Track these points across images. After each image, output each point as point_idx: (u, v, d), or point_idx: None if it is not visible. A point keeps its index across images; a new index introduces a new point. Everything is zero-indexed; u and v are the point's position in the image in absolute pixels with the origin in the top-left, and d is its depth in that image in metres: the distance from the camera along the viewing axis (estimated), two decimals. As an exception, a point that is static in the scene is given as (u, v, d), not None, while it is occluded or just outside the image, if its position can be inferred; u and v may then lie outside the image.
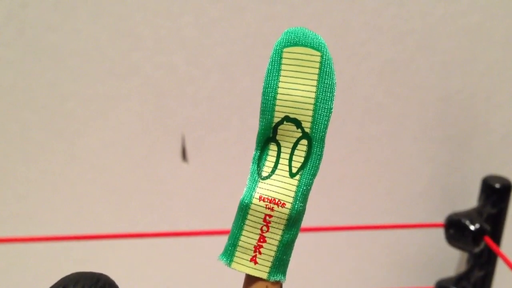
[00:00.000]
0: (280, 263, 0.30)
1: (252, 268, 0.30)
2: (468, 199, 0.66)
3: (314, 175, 0.30)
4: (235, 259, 0.30)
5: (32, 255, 0.61)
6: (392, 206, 0.66)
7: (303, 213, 0.30)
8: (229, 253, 0.30)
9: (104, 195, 0.63)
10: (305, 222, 0.62)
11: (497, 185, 0.62)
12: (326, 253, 0.67)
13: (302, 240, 0.64)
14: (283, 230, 0.30)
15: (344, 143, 0.64)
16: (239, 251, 0.30)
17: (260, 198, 0.30)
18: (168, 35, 0.57)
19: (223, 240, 0.60)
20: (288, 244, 0.30)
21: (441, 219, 0.66)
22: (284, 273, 0.31)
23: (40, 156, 0.61)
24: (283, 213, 0.30)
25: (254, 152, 0.31)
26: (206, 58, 0.58)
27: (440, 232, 0.63)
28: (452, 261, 0.69)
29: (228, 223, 0.61)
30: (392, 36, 0.60)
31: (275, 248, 0.30)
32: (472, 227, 0.59)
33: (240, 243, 0.30)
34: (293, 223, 0.30)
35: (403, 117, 0.64)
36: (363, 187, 0.65)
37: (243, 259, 0.30)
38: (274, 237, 0.30)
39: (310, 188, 0.30)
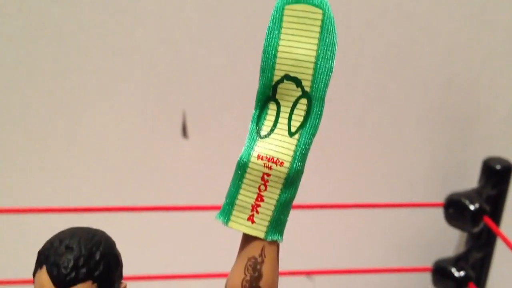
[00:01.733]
0: (278, 223, 0.30)
1: (249, 227, 0.30)
2: (469, 182, 0.66)
3: (313, 134, 0.30)
4: (232, 218, 0.30)
5: (33, 226, 0.61)
6: (393, 188, 0.66)
7: (302, 173, 0.30)
8: (227, 212, 0.30)
9: (105, 172, 0.63)
10: (305, 199, 0.62)
11: (498, 167, 0.62)
12: (324, 232, 0.67)
13: (300, 217, 0.64)
14: (281, 189, 0.30)
15: (346, 124, 0.64)
16: (236, 210, 0.30)
17: (258, 157, 0.30)
18: (172, 13, 0.57)
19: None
20: (286, 203, 0.30)
21: (441, 201, 0.66)
22: (281, 233, 0.30)
23: (41, 133, 0.60)
24: (281, 172, 0.29)
25: (253, 111, 0.31)
26: (209, 36, 0.58)
27: (439, 213, 0.63)
28: (451, 242, 0.69)
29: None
30: (396, 18, 0.60)
31: (272, 208, 0.30)
32: (471, 207, 0.59)
33: (238, 202, 0.30)
34: (291, 182, 0.30)
35: (405, 99, 0.64)
36: (363, 169, 0.65)
37: (240, 218, 0.30)
38: (271, 196, 0.30)
39: (309, 148, 0.30)
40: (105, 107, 0.60)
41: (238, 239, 0.31)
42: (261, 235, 0.30)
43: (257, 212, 0.30)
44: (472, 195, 0.61)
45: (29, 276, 0.32)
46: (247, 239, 0.31)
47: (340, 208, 0.62)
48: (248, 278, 0.30)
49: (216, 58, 0.59)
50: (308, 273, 0.65)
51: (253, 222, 0.30)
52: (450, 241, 0.69)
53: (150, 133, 0.62)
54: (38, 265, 0.29)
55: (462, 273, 0.62)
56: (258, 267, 0.30)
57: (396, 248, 0.69)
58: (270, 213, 0.30)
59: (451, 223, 0.61)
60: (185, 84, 0.61)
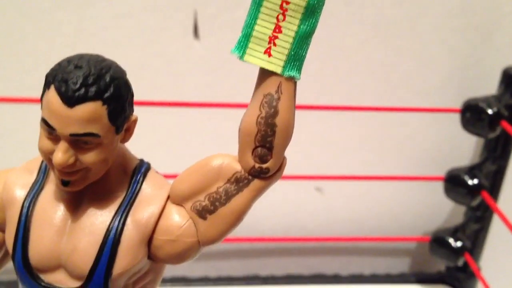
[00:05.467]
0: (296, 58, 0.29)
1: (266, 61, 0.29)
2: (487, 91, 0.64)
3: (336, -39, 0.28)
4: (248, 51, 0.29)
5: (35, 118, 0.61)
6: (408, 95, 0.64)
7: (323, 3, 0.28)
8: (242, 44, 0.29)
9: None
10: (318, 101, 0.60)
11: (518, 75, 0.60)
12: (336, 137, 0.66)
13: (312, 120, 0.63)
14: (300, 19, 0.28)
15: (361, 27, 0.62)
16: (252, 42, 0.29)
17: (277, -17, 0.28)
18: None
19: (229, 112, 0.59)
20: (305, 36, 0.29)
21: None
22: (299, 69, 0.29)
23: (48, 26, 0.59)
24: (301, -1, 0.28)
25: None
26: None
27: (455, 121, 0.62)
28: (465, 155, 0.68)
29: (236, 99, 0.59)
30: None
31: (291, 40, 0.29)
32: (489, 111, 0.58)
33: (254, 33, 0.29)
34: (312, 12, 0.28)
35: (425, 1, 0.61)
36: (377, 73, 0.63)
37: (257, 51, 0.29)
38: (290, 27, 0.28)
39: (332, -25, 0.28)
40: (113, 3, 0.58)
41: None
42: (278, 69, 0.29)
43: (274, 44, 0.29)
44: (490, 100, 0.59)
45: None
46: (264, 75, 0.29)
47: (352, 111, 0.61)
48: (263, 114, 0.29)
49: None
50: (318, 178, 0.65)
51: (270, 55, 0.29)
52: (464, 154, 0.68)
53: (161, 33, 0.60)
54: (46, 86, 0.28)
55: (475, 181, 0.61)
56: (274, 103, 0.29)
57: (408, 156, 0.68)
58: (288, 46, 0.29)
59: (468, 129, 0.60)
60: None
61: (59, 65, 0.28)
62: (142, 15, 0.59)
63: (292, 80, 0.29)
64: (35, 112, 0.59)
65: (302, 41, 0.29)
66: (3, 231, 0.32)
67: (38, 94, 0.58)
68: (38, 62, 0.60)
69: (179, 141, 0.64)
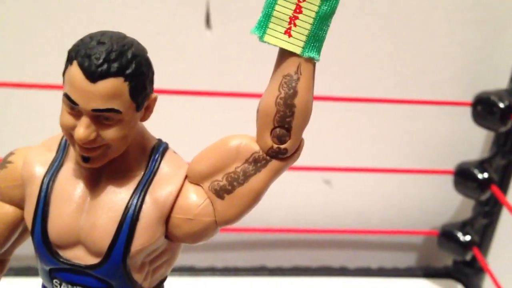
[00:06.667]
0: (316, 39, 0.29)
1: (286, 41, 0.29)
2: (499, 86, 0.64)
3: None
4: (268, 31, 0.29)
5: (42, 102, 0.61)
6: (419, 87, 0.64)
7: (344, -16, 0.29)
8: (262, 24, 0.29)
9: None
10: (327, 92, 0.60)
11: (530, 69, 0.60)
12: (346, 129, 0.66)
13: (321, 112, 0.63)
14: (321, 0, 0.28)
15: (372, 19, 0.62)
16: (273, 22, 0.29)
17: (299, -38, 0.28)
18: None
19: (240, 101, 0.59)
20: (326, 17, 0.29)
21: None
22: (318, 51, 0.29)
23: (59, 14, 0.59)
24: (323, -21, 0.28)
25: None
26: None
27: (466, 114, 0.62)
28: (476, 147, 0.68)
29: (248, 88, 0.59)
30: None
31: (311, 21, 0.29)
32: (501, 104, 0.58)
33: (275, 13, 0.29)
34: (333, -8, 0.28)
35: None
36: (388, 65, 0.63)
37: (277, 31, 0.29)
38: (311, 7, 0.28)
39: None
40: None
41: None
42: (297, 50, 0.29)
43: (294, 25, 0.29)
44: (501, 93, 0.59)
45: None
46: (283, 56, 0.29)
47: (362, 103, 0.61)
48: (282, 95, 0.29)
49: None
50: (326, 170, 0.65)
51: (290, 36, 0.29)
52: (474, 148, 0.68)
53: (173, 22, 0.60)
54: (69, 61, 0.28)
55: (485, 175, 0.61)
56: (293, 84, 0.29)
57: (418, 150, 0.68)
58: (309, 26, 0.29)
59: (478, 122, 0.60)
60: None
61: (81, 41, 0.28)
62: (154, 4, 0.60)
63: (312, 61, 0.29)
64: (45, 98, 0.60)
65: (322, 22, 0.29)
66: (22, 208, 0.32)
67: (49, 80, 0.59)
68: (49, 50, 0.60)
69: (190, 130, 0.64)
